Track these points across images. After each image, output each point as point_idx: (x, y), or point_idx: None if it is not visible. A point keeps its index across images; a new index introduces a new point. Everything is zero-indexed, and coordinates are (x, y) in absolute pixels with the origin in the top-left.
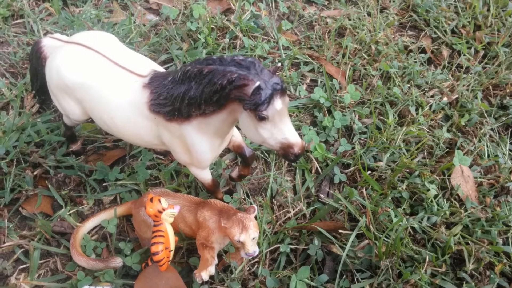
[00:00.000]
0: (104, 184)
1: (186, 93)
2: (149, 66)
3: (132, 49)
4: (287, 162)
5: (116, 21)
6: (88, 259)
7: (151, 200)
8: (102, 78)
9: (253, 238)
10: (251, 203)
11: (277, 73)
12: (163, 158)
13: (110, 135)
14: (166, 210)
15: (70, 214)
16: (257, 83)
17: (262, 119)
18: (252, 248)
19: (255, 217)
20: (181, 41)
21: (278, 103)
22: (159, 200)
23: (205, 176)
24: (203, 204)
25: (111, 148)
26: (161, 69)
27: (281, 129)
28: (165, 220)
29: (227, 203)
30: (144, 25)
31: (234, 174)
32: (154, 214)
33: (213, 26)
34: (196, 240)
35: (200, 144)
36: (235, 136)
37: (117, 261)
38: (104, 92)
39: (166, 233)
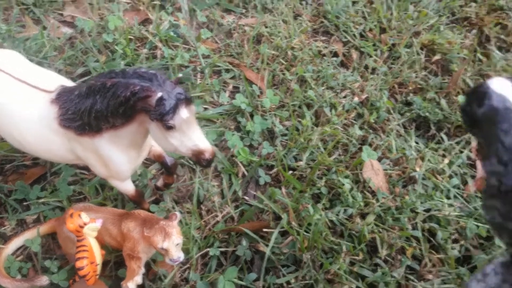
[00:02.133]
0: (25, 204)
1: (92, 107)
2: (56, 81)
3: (47, 64)
4: (212, 168)
5: (28, 36)
6: (13, 280)
7: (71, 215)
8: (9, 96)
9: (177, 244)
10: (180, 211)
11: (179, 84)
12: (86, 172)
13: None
14: (88, 225)
15: None
16: (160, 94)
17: (169, 128)
18: (177, 254)
19: (184, 223)
20: (98, 53)
21: (184, 112)
22: (79, 215)
23: (127, 187)
24: (127, 216)
25: (31, 166)
26: (69, 83)
27: (190, 137)
28: (88, 235)
29: (153, 213)
30: (59, 38)
31: (160, 183)
32: (75, 229)
33: (131, 37)
34: (123, 251)
35: (115, 157)
36: (155, 146)
37: (43, 280)
38: (12, 110)
39: (90, 247)
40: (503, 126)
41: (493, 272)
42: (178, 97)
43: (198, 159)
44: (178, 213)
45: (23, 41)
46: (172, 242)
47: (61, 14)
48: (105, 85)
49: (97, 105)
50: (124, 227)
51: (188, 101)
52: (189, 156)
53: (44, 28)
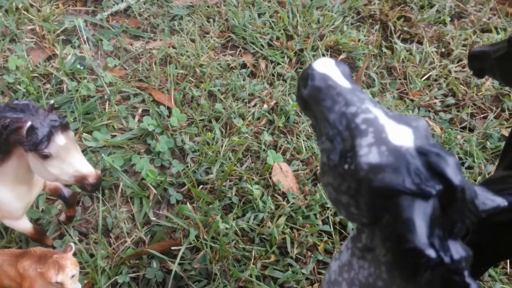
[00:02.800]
0: None
1: None
2: None
3: None
4: (119, 194)
5: None
6: None
7: None
8: None
9: (73, 276)
10: (86, 243)
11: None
12: None
13: None
14: None
15: None
16: (29, 123)
17: (46, 157)
18: (73, 286)
19: (89, 254)
20: (0, 95)
21: (60, 139)
22: None
23: (23, 226)
24: (23, 255)
25: None
26: None
27: (70, 163)
28: None
29: (55, 248)
30: None
31: (62, 217)
32: None
33: (36, 75)
34: None
35: (2, 195)
36: None
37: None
38: None
39: None
40: (327, 104)
41: (345, 248)
42: (52, 124)
43: (83, 185)
44: (72, 244)
45: None
46: (67, 275)
47: None
48: None
49: None
50: (20, 267)
51: (64, 127)
52: (72, 183)
53: None
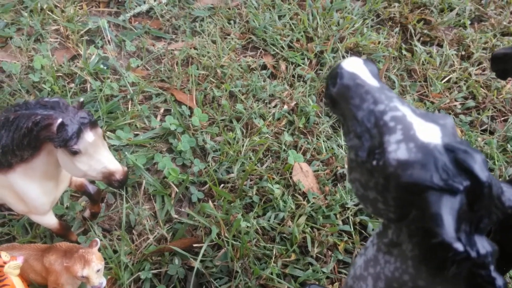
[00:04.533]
0: None
1: None
2: None
3: None
4: (142, 192)
5: None
6: None
7: None
8: None
9: (98, 271)
10: (110, 240)
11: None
12: (15, 213)
13: None
14: (8, 263)
15: None
16: (60, 120)
17: (75, 153)
18: (98, 281)
19: (112, 250)
20: (26, 94)
21: (89, 136)
22: None
23: (49, 221)
24: (49, 249)
25: None
26: None
27: (98, 159)
28: (10, 273)
29: (79, 243)
30: None
31: (86, 214)
32: None
33: (60, 74)
34: (48, 286)
35: (31, 190)
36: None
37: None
38: None
39: (13, 286)
40: (355, 102)
41: (370, 244)
42: (82, 121)
43: (110, 181)
44: (97, 239)
45: None
46: (92, 269)
47: None
48: (8, 119)
49: (3, 140)
50: (46, 261)
51: (93, 124)
52: (100, 179)
53: None
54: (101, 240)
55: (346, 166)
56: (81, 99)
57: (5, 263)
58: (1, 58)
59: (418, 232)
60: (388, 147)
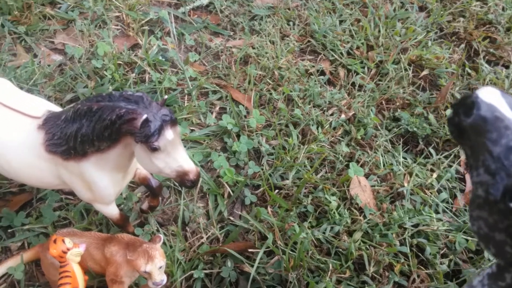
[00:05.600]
0: (10, 231)
1: (78, 131)
2: (44, 107)
3: (37, 91)
4: (197, 189)
5: (19, 64)
6: None
7: (55, 241)
8: None
9: (160, 267)
10: (164, 234)
11: (166, 105)
12: (72, 198)
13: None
14: (71, 250)
15: None
16: (145, 116)
17: (154, 150)
18: (159, 277)
19: (169, 246)
20: (87, 79)
21: (169, 134)
22: (63, 241)
23: (112, 211)
24: (110, 240)
25: (18, 193)
26: (57, 109)
27: (175, 158)
28: (71, 260)
29: (138, 236)
30: (49, 65)
31: (144, 206)
32: (58, 255)
33: (120, 62)
34: (106, 276)
35: (100, 180)
36: (140, 168)
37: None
38: None
39: (73, 273)
40: (492, 136)
41: (480, 285)
42: (164, 119)
43: (183, 180)
44: (161, 236)
45: (14, 69)
46: (155, 265)
47: (52, 42)
48: (91, 109)
49: (83, 129)
50: (107, 252)
51: (173, 122)
52: (173, 177)
53: (35, 56)
54: (154, 234)
55: (469, 202)
56: (165, 97)
57: (68, 249)
58: (63, 41)
59: None
60: None
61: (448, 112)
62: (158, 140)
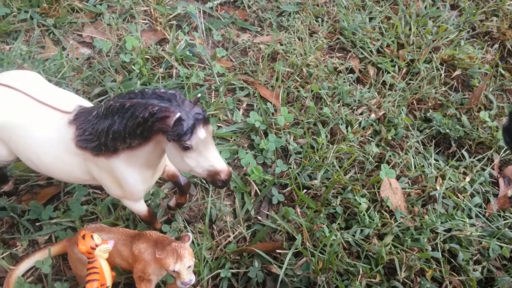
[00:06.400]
0: (38, 224)
1: (110, 128)
2: (75, 102)
3: (65, 84)
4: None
5: (47, 57)
6: None
7: (83, 237)
8: (27, 117)
9: (189, 267)
10: (191, 232)
11: (199, 103)
12: (99, 192)
13: None
14: (100, 246)
15: (3, 258)
16: (178, 115)
17: (186, 148)
18: (188, 277)
19: (196, 244)
20: (115, 73)
21: (202, 132)
22: (92, 237)
23: (140, 208)
24: (139, 237)
25: (45, 186)
26: (88, 104)
27: (206, 157)
28: (99, 256)
29: (165, 233)
30: (77, 58)
31: (172, 203)
32: (87, 251)
33: (148, 57)
34: (133, 273)
35: (130, 177)
36: (169, 165)
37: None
38: (29, 131)
39: (101, 269)
40: None
41: None
42: (196, 117)
43: (214, 180)
44: (190, 234)
45: (43, 62)
46: (184, 265)
47: (81, 35)
48: (123, 106)
49: (115, 126)
50: (136, 249)
51: (206, 121)
52: (204, 176)
53: (63, 49)
54: (182, 231)
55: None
56: (199, 95)
57: (97, 245)
58: (91, 34)
59: None
60: None
61: (482, 115)
62: (190, 139)
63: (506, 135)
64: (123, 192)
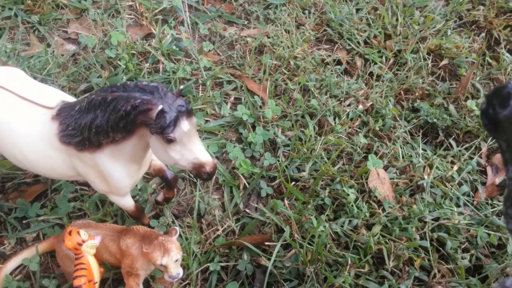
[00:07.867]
0: (25, 222)
1: (92, 122)
2: (58, 97)
3: (50, 81)
4: (213, 181)
5: (32, 54)
6: None
7: (70, 233)
8: (9, 114)
9: (176, 260)
10: (180, 226)
11: (182, 96)
12: (87, 189)
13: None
14: (87, 242)
15: None
16: (160, 107)
17: (170, 141)
18: (176, 271)
19: (185, 238)
20: (101, 69)
21: (185, 125)
22: (78, 233)
23: (127, 203)
24: (126, 232)
25: (32, 184)
26: (71, 99)
27: (191, 149)
28: (86, 252)
29: (153, 228)
30: (62, 55)
31: (160, 198)
32: (73, 247)
33: (134, 52)
34: (122, 269)
35: (115, 172)
36: (155, 160)
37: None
38: (12, 127)
39: (89, 265)
40: None
41: None
42: (179, 109)
43: (199, 172)
44: (177, 228)
45: (28, 59)
46: (171, 258)
47: (66, 31)
48: (105, 100)
49: (98, 120)
50: (123, 244)
51: (189, 113)
52: (189, 169)
53: (48, 45)
54: (170, 226)
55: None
56: (181, 87)
57: (83, 241)
58: (76, 30)
59: None
60: None
61: (470, 103)
62: (173, 131)
63: (484, 117)
64: (109, 187)
